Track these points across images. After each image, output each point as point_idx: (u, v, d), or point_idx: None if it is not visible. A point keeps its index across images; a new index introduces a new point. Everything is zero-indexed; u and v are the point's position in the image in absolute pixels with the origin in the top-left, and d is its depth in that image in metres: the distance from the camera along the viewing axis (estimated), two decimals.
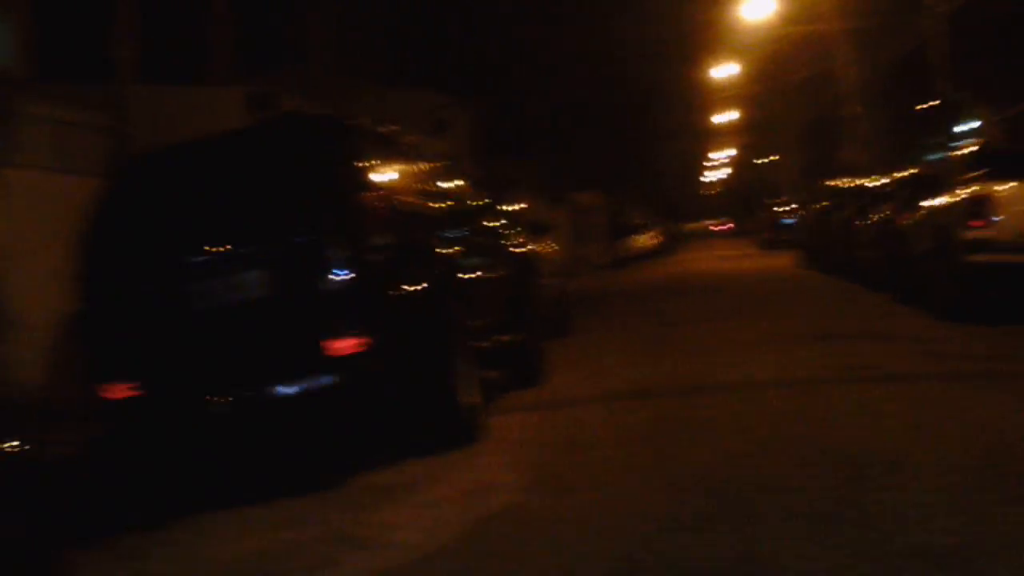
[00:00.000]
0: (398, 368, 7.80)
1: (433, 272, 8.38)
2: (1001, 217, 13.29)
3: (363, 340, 7.49)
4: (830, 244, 24.66)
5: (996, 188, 13.39)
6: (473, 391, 8.58)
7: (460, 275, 9.01)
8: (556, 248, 16.33)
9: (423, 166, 9.92)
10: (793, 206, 45.97)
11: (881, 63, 44.42)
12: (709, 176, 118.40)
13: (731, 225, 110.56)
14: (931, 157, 47.07)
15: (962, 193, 13.87)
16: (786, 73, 56.42)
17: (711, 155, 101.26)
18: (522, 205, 15.71)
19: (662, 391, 9.96)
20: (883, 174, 29.17)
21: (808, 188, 63.21)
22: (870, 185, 23.26)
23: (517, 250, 11.36)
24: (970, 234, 13.40)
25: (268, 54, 30.50)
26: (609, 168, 79.34)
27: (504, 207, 15.35)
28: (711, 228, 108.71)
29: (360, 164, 8.09)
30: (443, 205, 9.67)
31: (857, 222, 21.40)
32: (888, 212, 19.39)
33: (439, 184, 10.10)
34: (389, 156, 8.93)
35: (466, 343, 8.66)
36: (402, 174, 8.98)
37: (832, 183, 28.60)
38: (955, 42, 34.07)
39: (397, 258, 7.88)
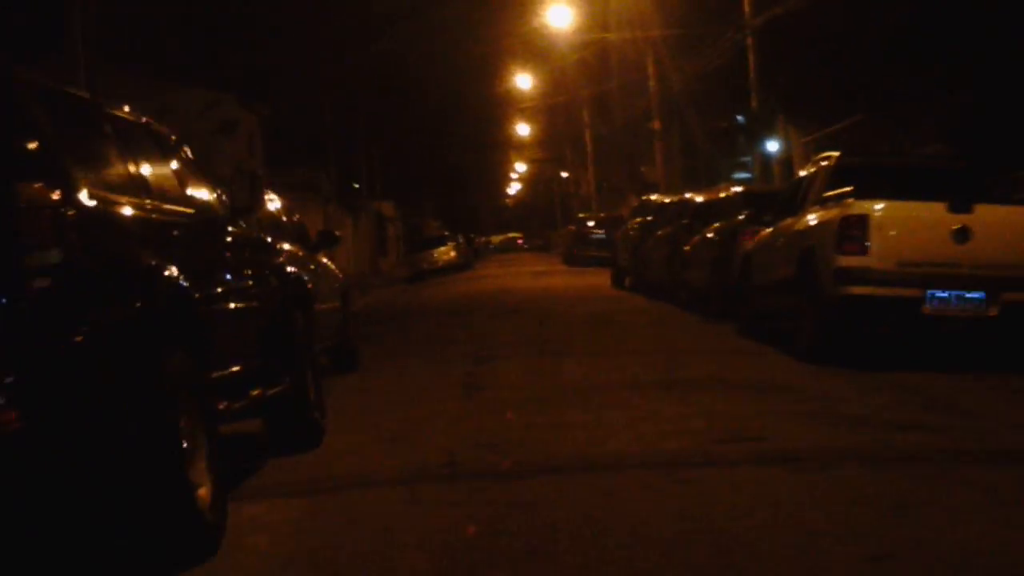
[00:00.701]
0: (79, 454, 4.91)
1: (145, 303, 5.45)
2: (878, 242, 10.99)
3: (8, 415, 4.61)
4: (650, 264, 22.36)
5: (872, 207, 11.08)
6: (205, 476, 5.73)
7: (193, 306, 6.08)
8: (331, 266, 13.44)
9: (169, 162, 7.01)
10: (592, 222, 44.00)
11: (685, 79, 42.70)
12: (514, 188, 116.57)
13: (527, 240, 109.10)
14: (740, 176, 45.82)
15: (831, 213, 11.54)
16: (590, 85, 54.53)
17: (516, 167, 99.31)
18: (296, 216, 12.60)
19: (484, 468, 7.18)
20: (690, 191, 27.16)
21: (613, 203, 61.68)
22: (697, 200, 21.03)
23: (285, 269, 8.46)
24: (844, 261, 11.05)
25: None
26: (408, 178, 76.47)
27: (281, 215, 12.43)
28: (518, 242, 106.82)
29: (24, 141, 5.17)
30: (182, 210, 6.76)
31: (685, 242, 19.10)
32: (719, 232, 17.09)
33: (189, 186, 7.19)
34: (96, 137, 6.01)
35: (198, 405, 5.80)
36: (115, 163, 6.05)
37: (649, 197, 26.39)
38: (763, 58, 32.32)
39: (80, 283, 4.97)
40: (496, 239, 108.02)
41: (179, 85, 43.35)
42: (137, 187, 6.17)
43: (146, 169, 6.49)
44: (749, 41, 31.89)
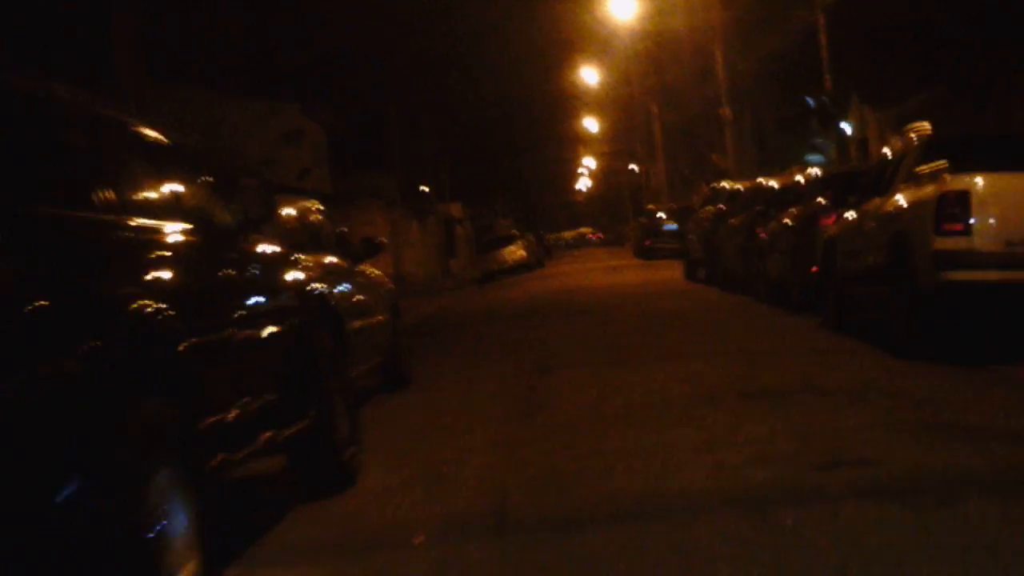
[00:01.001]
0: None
1: (103, 342, 4.40)
2: (982, 221, 9.73)
3: None
4: (724, 255, 21.13)
5: (973, 181, 9.81)
6: (191, 554, 4.68)
7: (176, 340, 5.03)
8: (376, 276, 12.39)
9: (166, 172, 5.97)
10: (663, 213, 42.70)
11: (754, 63, 41.27)
12: (582, 184, 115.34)
13: (600, 235, 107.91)
14: (811, 158, 44.30)
15: (925, 191, 10.29)
16: (657, 74, 53.19)
17: (584, 161, 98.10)
18: (341, 227, 11.50)
19: (538, 515, 6.05)
20: (762, 177, 25.86)
21: (683, 194, 60.27)
22: (772, 185, 19.77)
23: (307, 286, 7.40)
24: (943, 244, 9.80)
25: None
26: (475, 178, 75.55)
27: (322, 225, 11.40)
28: (588, 237, 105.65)
29: None
30: (176, 226, 5.71)
31: (761, 229, 17.86)
32: (796, 216, 15.87)
33: (194, 199, 6.17)
34: (47, 140, 4.98)
35: (182, 464, 4.76)
36: (78, 172, 5.02)
37: (721, 184, 25.16)
38: (834, 38, 30.84)
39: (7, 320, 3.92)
40: (568, 235, 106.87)
41: (240, 97, 42.76)
42: (108, 201, 5.13)
43: (128, 180, 5.46)
44: (820, 21, 30.50)
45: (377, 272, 12.33)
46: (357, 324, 10.04)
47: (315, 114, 48.54)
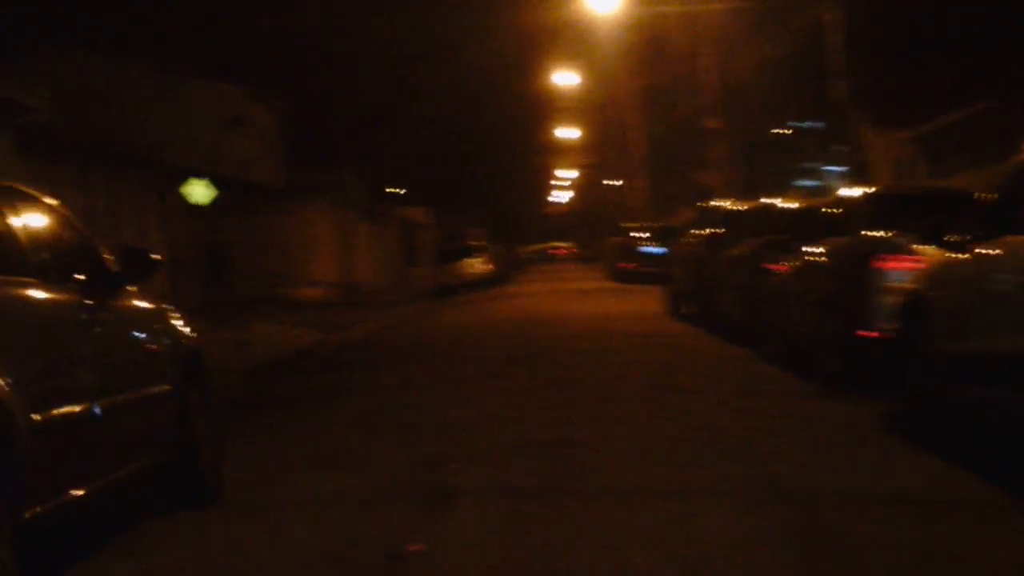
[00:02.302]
0: None
1: None
2: None
3: None
4: (722, 293, 16.23)
5: None
6: None
7: None
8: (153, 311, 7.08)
9: None
10: (642, 233, 37.88)
11: (750, 69, 36.38)
12: (557, 196, 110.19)
13: (573, 250, 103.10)
14: (804, 184, 39.44)
15: None
16: (642, 77, 48.13)
17: (558, 173, 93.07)
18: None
19: None
20: (753, 198, 21.04)
21: (664, 213, 55.44)
22: (785, 207, 14.92)
23: None
24: None
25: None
26: (446, 183, 70.31)
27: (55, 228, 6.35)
28: (549, 252, 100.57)
29: None
30: None
31: (772, 265, 12.99)
32: (837, 255, 11.03)
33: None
34: None
35: None
36: None
37: (715, 203, 20.20)
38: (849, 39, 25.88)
39: None
40: (533, 248, 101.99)
41: (191, 76, 37.83)
42: None
43: None
44: (825, 18, 25.51)
45: (166, 309, 7.21)
46: (75, 409, 5.17)
47: (266, 100, 43.55)
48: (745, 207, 17.70)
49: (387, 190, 61.37)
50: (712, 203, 20.35)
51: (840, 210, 12.04)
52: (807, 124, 43.37)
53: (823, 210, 12.81)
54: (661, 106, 48.86)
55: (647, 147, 54.13)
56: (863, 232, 10.60)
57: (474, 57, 52.68)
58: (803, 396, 10.24)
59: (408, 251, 52.53)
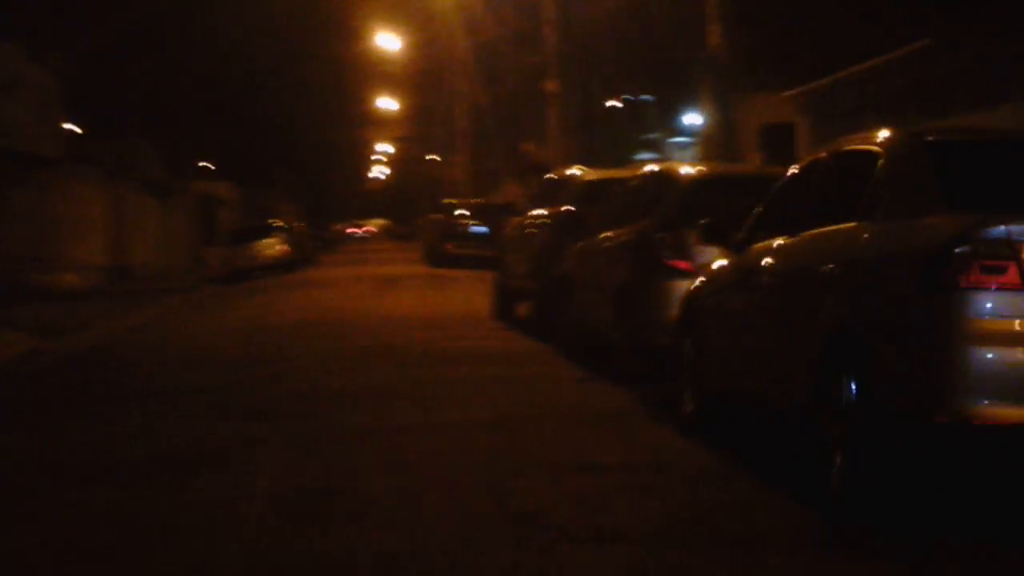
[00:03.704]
0: None
1: None
2: None
3: None
4: (584, 295, 11.13)
5: None
6: None
7: None
8: None
9: None
10: (466, 211, 32.93)
11: (595, 20, 31.42)
12: (378, 172, 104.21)
13: (372, 230, 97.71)
14: (646, 156, 34.84)
15: None
16: (469, 34, 42.82)
17: (378, 148, 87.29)
18: None
19: None
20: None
21: (487, 190, 50.49)
22: (708, 173, 9.98)
23: None
24: None
25: None
26: (253, 156, 64.06)
27: None
28: (347, 231, 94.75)
29: None
30: None
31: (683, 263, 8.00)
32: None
33: None
34: None
35: None
36: None
37: (569, 172, 14.90)
38: None
39: None
40: (349, 226, 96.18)
41: None
42: None
43: None
44: None
45: None
46: None
47: (44, 60, 37.09)
48: (624, 175, 12.49)
49: (197, 164, 54.84)
50: (560, 173, 15.17)
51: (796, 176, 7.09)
52: (644, 97, 39.03)
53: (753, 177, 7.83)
54: (491, 71, 43.85)
55: (471, 118, 49.14)
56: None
57: (288, 10, 46.85)
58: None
59: (208, 230, 46.41)
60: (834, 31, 20.25)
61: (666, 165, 11.12)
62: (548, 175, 14.45)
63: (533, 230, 14.50)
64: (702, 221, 7.45)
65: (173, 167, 47.47)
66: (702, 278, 7.70)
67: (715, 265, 7.48)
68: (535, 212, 14.91)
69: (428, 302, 19.29)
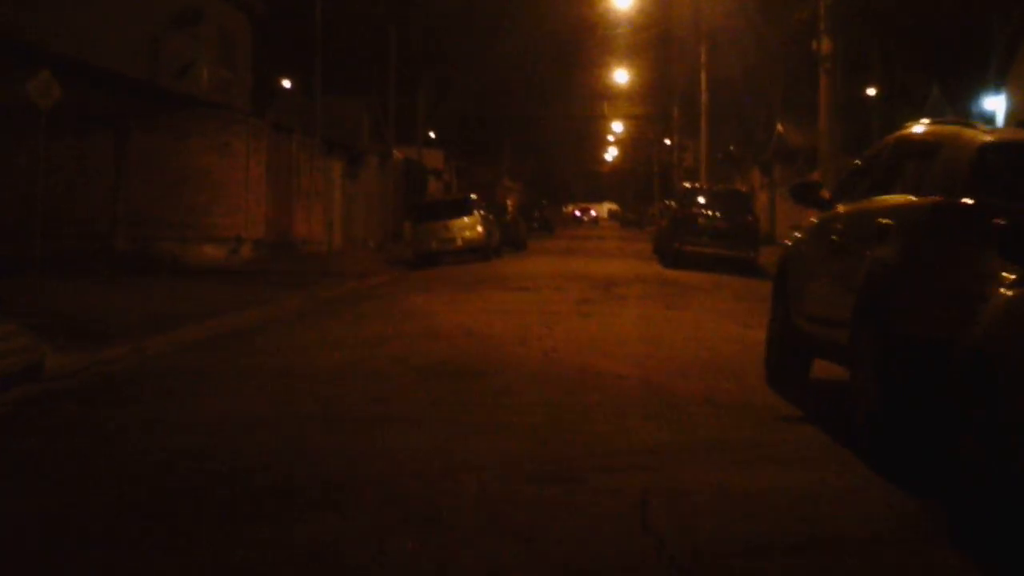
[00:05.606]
0: None
1: None
2: None
3: None
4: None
5: None
6: None
7: None
8: None
9: None
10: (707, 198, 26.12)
11: None
12: (610, 153, 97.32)
13: (597, 214, 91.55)
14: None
15: None
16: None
17: (613, 126, 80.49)
18: None
19: None
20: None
21: (726, 178, 43.53)
22: None
23: None
24: None
25: None
26: (476, 126, 58.09)
27: None
28: (574, 213, 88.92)
29: None
30: None
31: None
32: None
33: None
34: None
35: None
36: None
37: (960, 133, 7.74)
38: None
39: None
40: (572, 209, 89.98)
41: None
42: None
43: None
44: None
45: None
46: None
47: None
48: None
49: (414, 130, 48.74)
50: (938, 128, 7.78)
51: None
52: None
53: None
54: (738, 35, 36.63)
55: (714, 95, 41.90)
56: None
57: None
58: None
59: (407, 202, 40.47)
60: None
61: None
62: (898, 134, 7.44)
63: (854, 240, 7.61)
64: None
65: (376, 131, 41.81)
66: None
67: None
68: (854, 207, 7.98)
69: (656, 334, 12.26)
